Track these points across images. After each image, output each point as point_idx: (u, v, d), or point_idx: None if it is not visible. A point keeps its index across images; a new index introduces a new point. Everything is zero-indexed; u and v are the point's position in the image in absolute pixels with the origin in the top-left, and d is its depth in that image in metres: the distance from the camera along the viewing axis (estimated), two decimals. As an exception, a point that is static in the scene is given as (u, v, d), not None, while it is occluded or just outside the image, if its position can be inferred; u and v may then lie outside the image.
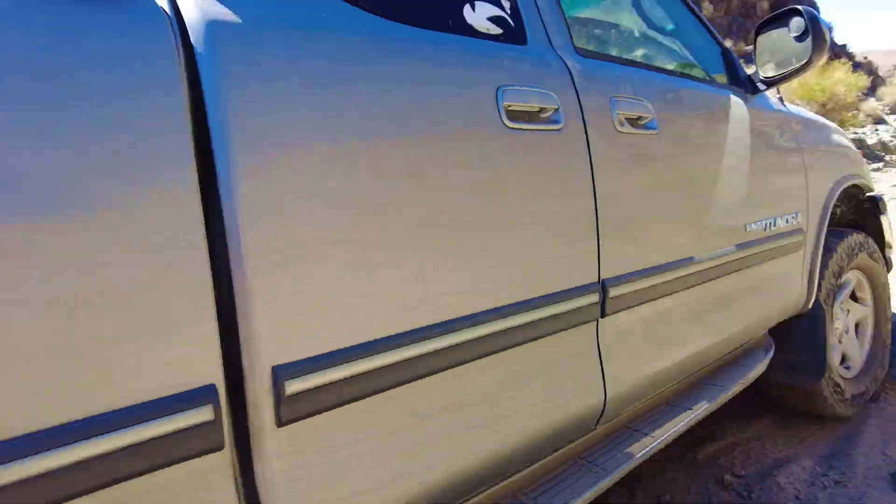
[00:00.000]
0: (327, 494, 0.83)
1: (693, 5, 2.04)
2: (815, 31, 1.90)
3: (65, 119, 0.62)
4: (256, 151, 0.76)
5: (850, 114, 13.70)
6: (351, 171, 0.86)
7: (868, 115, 17.55)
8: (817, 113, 12.06)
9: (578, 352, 1.28)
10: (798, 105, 10.57)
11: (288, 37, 0.84)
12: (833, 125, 2.70)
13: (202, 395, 0.68)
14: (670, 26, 2.14)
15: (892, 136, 16.82)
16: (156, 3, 0.73)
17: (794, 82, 13.33)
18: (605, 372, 1.32)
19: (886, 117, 19.31)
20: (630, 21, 2.40)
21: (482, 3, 1.22)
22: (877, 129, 17.12)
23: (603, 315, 1.30)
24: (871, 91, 20.60)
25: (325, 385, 0.80)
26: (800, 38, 1.95)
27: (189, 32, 0.75)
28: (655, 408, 1.65)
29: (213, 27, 0.76)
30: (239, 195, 0.73)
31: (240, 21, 0.79)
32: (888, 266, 2.75)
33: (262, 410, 0.75)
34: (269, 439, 0.76)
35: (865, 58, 31.33)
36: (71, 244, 0.60)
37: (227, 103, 0.74)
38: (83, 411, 0.60)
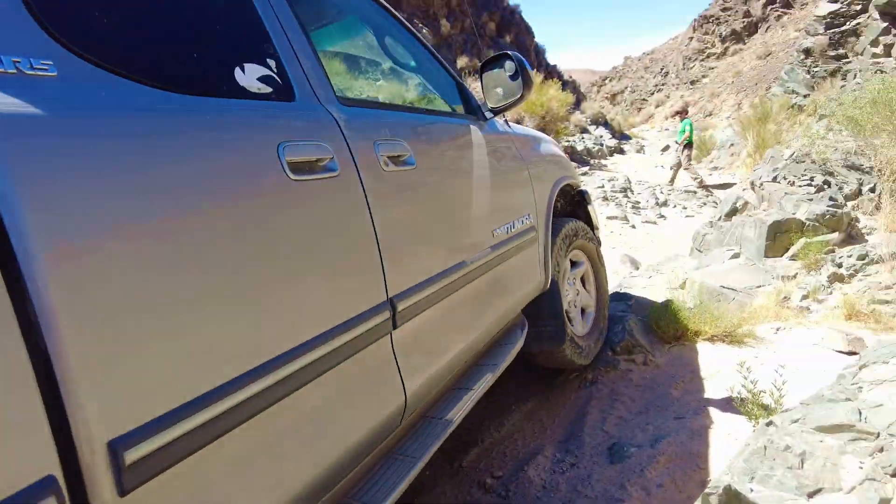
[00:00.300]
0: None
1: (430, 46, 2.18)
2: (524, 73, 2.24)
3: None
4: (53, 239, 0.74)
5: (562, 125, 16.15)
6: (146, 244, 0.86)
7: (576, 126, 20.99)
8: (538, 125, 13.92)
9: (380, 363, 1.41)
10: (525, 117, 12.07)
11: (64, 123, 0.82)
12: (547, 138, 3.22)
13: (43, 486, 0.68)
14: (415, 65, 2.31)
15: (594, 143, 20.48)
16: None
17: (521, 97, 15.31)
18: (402, 374, 1.48)
19: (589, 127, 23.40)
20: (383, 65, 2.51)
21: (251, 65, 1.25)
22: (583, 138, 20.65)
23: (395, 327, 1.45)
24: (577, 105, 24.77)
25: (159, 448, 0.82)
26: (513, 77, 2.28)
27: None
28: (445, 394, 1.86)
29: None
30: (44, 286, 0.71)
31: (13, 112, 0.75)
32: (599, 242, 3.38)
33: (102, 485, 0.75)
34: None
35: (570, 76, 37.74)
36: None
37: (13, 195, 0.71)
38: None
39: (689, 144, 12.31)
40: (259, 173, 1.11)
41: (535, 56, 28.29)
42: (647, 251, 6.75)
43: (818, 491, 1.53)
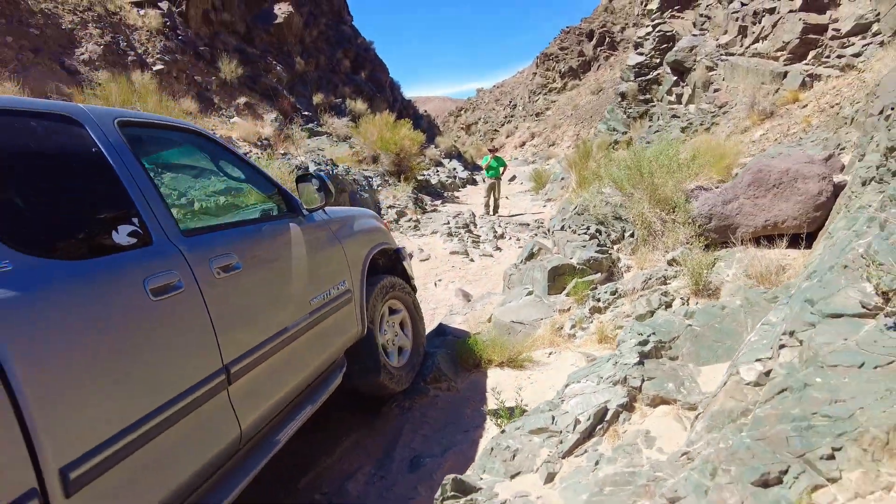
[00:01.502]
0: None
1: (253, 163, 2.83)
2: (325, 187, 3.06)
3: None
4: (28, 360, 1.39)
5: (417, 161, 17.25)
6: (75, 351, 1.54)
7: (431, 160, 22.27)
8: (392, 161, 14.73)
9: (219, 410, 2.05)
10: (381, 155, 12.84)
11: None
12: (367, 212, 4.06)
13: (30, 494, 1.30)
14: (245, 178, 2.98)
15: (447, 176, 21.88)
16: None
17: (376, 136, 16.10)
18: (238, 415, 2.14)
19: (443, 160, 24.87)
20: (217, 184, 3.11)
21: (122, 226, 1.86)
22: (437, 171, 21.96)
23: (230, 384, 2.10)
24: (431, 140, 26.28)
25: (87, 470, 1.46)
26: (318, 190, 3.07)
27: None
28: (277, 424, 2.51)
29: None
30: (20, 383, 1.35)
31: None
32: (414, 290, 4.25)
33: (57, 493, 1.39)
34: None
35: (425, 111, 39.75)
36: None
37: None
38: None
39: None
40: (133, 300, 1.76)
41: (391, 91, 29.50)
42: (480, 283, 7.76)
43: (518, 473, 2.38)
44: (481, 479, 2.39)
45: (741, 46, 16.88)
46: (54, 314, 1.49)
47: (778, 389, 1.91)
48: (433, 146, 24.79)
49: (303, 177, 3.09)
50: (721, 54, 17.33)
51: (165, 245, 1.99)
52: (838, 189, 5.24)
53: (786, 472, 1.57)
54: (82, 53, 14.37)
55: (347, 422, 3.69)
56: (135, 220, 1.93)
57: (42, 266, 1.52)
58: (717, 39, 17.94)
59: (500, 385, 3.81)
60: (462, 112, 78.12)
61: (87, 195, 1.90)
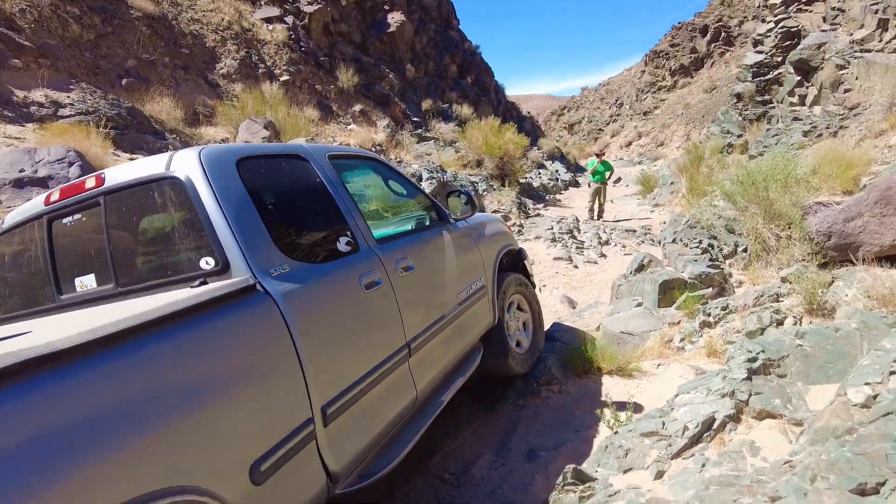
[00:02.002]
0: None
1: (415, 183, 3.40)
2: (471, 201, 3.75)
3: None
4: (303, 332, 2.13)
5: (520, 164, 17.55)
6: (350, 309, 2.42)
7: (533, 162, 22.45)
8: (496, 164, 15.12)
9: (403, 375, 2.69)
10: (485, 159, 13.31)
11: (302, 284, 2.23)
12: (494, 217, 4.70)
13: (309, 421, 2.02)
14: (406, 194, 3.81)
15: (549, 179, 21.95)
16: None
17: (482, 142, 16.58)
18: (414, 381, 2.78)
19: (545, 163, 24.93)
20: (391, 201, 4.10)
21: (342, 237, 2.59)
22: (539, 174, 22.09)
23: (410, 355, 2.79)
24: (534, 142, 26.44)
25: (338, 407, 2.16)
26: (466, 203, 3.65)
27: None
28: (438, 389, 3.12)
29: None
30: (302, 349, 2.09)
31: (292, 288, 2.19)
32: (534, 285, 4.86)
33: (320, 423, 2.07)
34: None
35: (528, 112, 39.88)
36: None
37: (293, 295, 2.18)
38: None
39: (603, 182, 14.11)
40: (355, 292, 2.47)
41: (496, 95, 29.96)
42: (584, 291, 7.96)
43: (630, 469, 2.69)
44: (597, 471, 2.73)
45: (880, 42, 15.60)
46: (313, 300, 2.20)
47: (883, 412, 2.10)
48: (536, 148, 24.95)
49: (452, 191, 3.80)
50: (855, 51, 16.09)
51: (368, 251, 2.67)
52: (980, 209, 4.97)
53: (883, 483, 1.78)
54: (222, 68, 16.04)
55: (466, 414, 4.14)
56: (348, 233, 2.61)
57: (303, 267, 2.24)
58: (851, 35, 16.66)
59: (610, 392, 4.09)
60: (565, 111, 77.11)
61: (319, 214, 2.62)
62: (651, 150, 42.30)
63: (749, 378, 3.07)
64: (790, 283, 5.07)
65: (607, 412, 3.35)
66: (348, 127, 16.46)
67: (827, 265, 5.39)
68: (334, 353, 2.22)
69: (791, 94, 17.67)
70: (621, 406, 3.55)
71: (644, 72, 58.48)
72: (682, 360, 4.49)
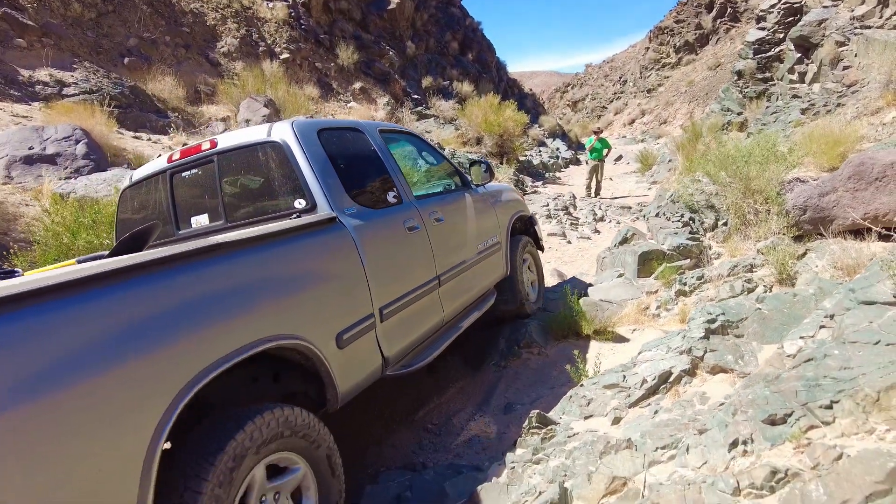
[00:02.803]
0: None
1: (441, 152, 4.31)
2: (490, 170, 4.63)
3: None
4: (367, 252, 2.98)
5: (519, 142, 17.69)
6: (400, 240, 3.32)
7: (534, 140, 22.54)
8: (496, 142, 15.26)
9: (434, 300, 3.49)
10: (484, 136, 13.49)
11: (365, 221, 3.08)
12: (508, 187, 5.60)
13: (370, 315, 2.84)
14: (436, 163, 4.69)
15: (550, 157, 22.07)
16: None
17: (481, 119, 16.70)
18: (442, 306, 3.58)
19: (546, 140, 25.00)
20: (424, 167, 4.88)
21: (390, 192, 3.45)
22: (540, 151, 22.20)
23: (440, 286, 3.58)
24: (535, 119, 26.48)
25: (391, 310, 3.00)
26: (485, 172, 4.59)
27: None
28: (459, 318, 3.87)
29: None
30: (366, 264, 2.93)
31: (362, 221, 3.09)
32: (541, 249, 5.82)
33: (377, 318, 2.88)
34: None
35: (531, 89, 39.71)
36: None
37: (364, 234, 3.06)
38: None
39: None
40: (400, 231, 3.27)
41: (497, 72, 29.89)
42: (575, 265, 8.22)
43: (591, 416, 2.98)
44: (561, 418, 3.02)
45: (880, 18, 15.59)
46: (373, 232, 2.97)
47: (804, 359, 2.37)
48: (537, 126, 25.01)
49: (474, 161, 4.69)
50: (855, 27, 16.08)
51: (409, 204, 3.51)
52: (948, 183, 5.19)
53: (790, 414, 2.06)
54: (222, 47, 16.15)
55: (454, 374, 4.44)
56: (394, 189, 3.46)
57: (365, 210, 3.05)
58: (853, 11, 16.63)
59: (586, 353, 4.37)
60: (569, 88, 76.56)
61: (374, 174, 3.47)
62: (654, 127, 42.15)
63: (706, 337, 3.35)
64: (764, 254, 5.32)
65: (575, 368, 3.63)
66: (348, 104, 16.60)
67: (802, 238, 5.63)
68: (387, 272, 3.01)
69: (791, 71, 17.68)
70: (589, 363, 3.83)
71: (648, 48, 57.90)
72: (656, 326, 4.77)
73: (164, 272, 1.88)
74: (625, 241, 6.32)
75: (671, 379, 3.13)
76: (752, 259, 5.27)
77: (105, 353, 1.57)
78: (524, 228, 5.49)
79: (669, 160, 17.67)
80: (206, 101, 13.37)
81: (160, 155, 5.15)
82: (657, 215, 6.64)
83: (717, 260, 5.79)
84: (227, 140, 3.16)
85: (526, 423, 2.90)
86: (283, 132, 2.99)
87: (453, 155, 13.80)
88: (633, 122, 49.22)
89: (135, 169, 7.54)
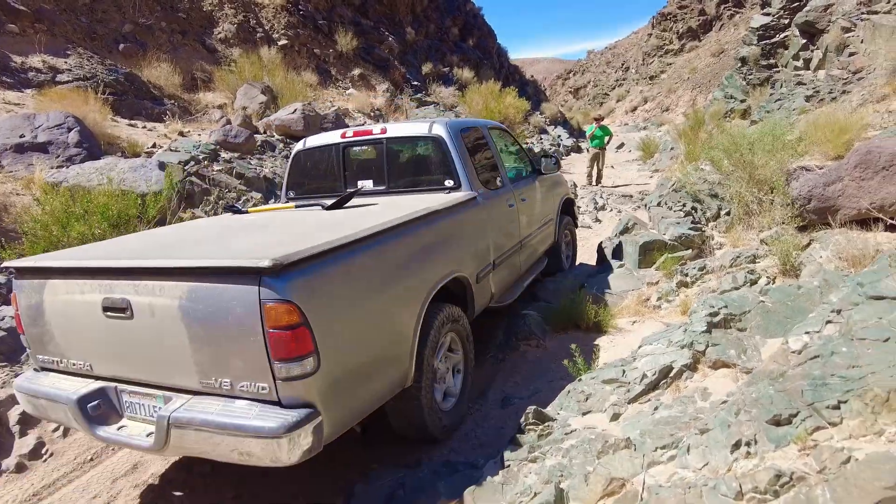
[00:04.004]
0: None
1: (521, 145, 5.31)
2: (557, 161, 5.74)
3: None
4: (486, 220, 4.32)
5: (521, 129, 17.54)
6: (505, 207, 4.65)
7: (535, 127, 22.36)
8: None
9: (517, 257, 4.73)
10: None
11: (482, 199, 4.23)
12: (562, 175, 6.82)
13: (490, 265, 4.12)
14: (518, 153, 5.62)
15: (551, 144, 21.89)
16: None
17: (481, 106, 16.53)
18: (521, 262, 4.87)
19: (547, 128, 24.79)
20: (511, 155, 5.56)
21: (498, 177, 4.66)
22: (541, 139, 22.02)
23: (521, 248, 4.83)
24: (537, 106, 26.23)
25: (480, 274, 4.00)
26: (553, 164, 5.61)
27: None
28: (527, 272, 5.08)
29: None
30: (487, 231, 4.24)
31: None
32: (577, 226, 7.04)
33: (473, 281, 3.84)
34: None
35: (532, 76, 39.34)
36: None
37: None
38: None
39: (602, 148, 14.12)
40: (505, 207, 4.52)
41: (498, 58, 29.57)
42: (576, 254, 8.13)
43: (589, 412, 2.90)
44: (558, 413, 2.94)
45: (888, 3, 15.33)
46: (492, 208, 4.18)
47: (811, 356, 2.29)
48: (538, 113, 24.79)
49: (546, 154, 6.37)
50: (862, 13, 15.82)
51: (508, 187, 4.69)
52: (958, 172, 5.07)
53: (796, 415, 1.98)
54: (219, 33, 15.95)
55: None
56: (500, 175, 4.61)
57: (487, 192, 4.19)
58: (859, -4, 16.35)
59: (585, 346, 4.29)
60: (571, 75, 75.92)
61: (489, 164, 4.57)
62: (656, 115, 41.83)
63: (708, 331, 3.26)
64: (767, 245, 5.22)
65: (573, 362, 3.55)
66: (347, 91, 16.42)
67: (806, 228, 5.52)
68: (498, 236, 4.22)
69: (796, 57, 17.43)
70: (588, 357, 3.74)
71: (651, 35, 57.31)
72: (657, 318, 4.68)
73: (415, 226, 3.11)
74: (626, 230, 6.22)
75: (672, 374, 3.05)
76: (756, 250, 5.17)
77: (405, 268, 2.97)
78: (568, 209, 6.57)
79: (672, 148, 17.51)
80: (202, 89, 13.20)
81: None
82: (659, 204, 6.53)
83: (719, 250, 5.69)
84: (394, 130, 4.33)
85: (523, 418, 2.82)
86: (440, 130, 4.12)
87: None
88: (635, 109, 48.85)
89: (129, 157, 7.48)
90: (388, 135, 4.27)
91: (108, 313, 2.49)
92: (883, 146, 5.41)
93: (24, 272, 2.85)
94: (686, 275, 5.03)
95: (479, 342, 4.59)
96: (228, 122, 9.85)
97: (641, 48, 59.08)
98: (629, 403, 2.92)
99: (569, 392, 3.06)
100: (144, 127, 9.28)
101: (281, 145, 9.81)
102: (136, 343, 2.48)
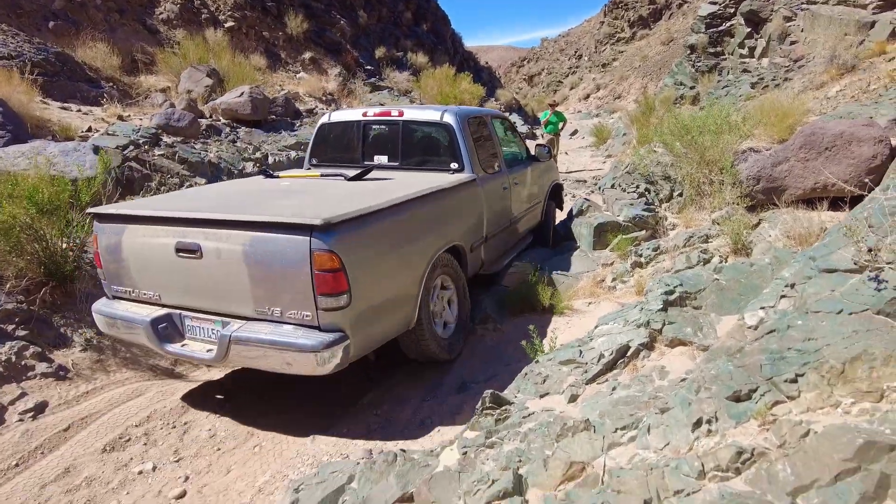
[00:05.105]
0: None
1: (517, 131, 5.80)
2: (550, 151, 6.40)
3: None
4: (485, 199, 4.94)
5: (475, 115, 17.39)
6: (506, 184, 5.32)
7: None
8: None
9: (511, 232, 5.42)
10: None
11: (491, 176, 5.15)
12: (552, 162, 7.28)
13: (482, 238, 4.72)
14: (514, 140, 6.17)
15: (506, 131, 21.83)
16: None
17: (436, 91, 16.33)
18: (513, 236, 5.64)
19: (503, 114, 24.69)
20: (506, 143, 5.91)
21: (497, 162, 5.26)
22: (496, 125, 21.93)
23: (511, 225, 5.43)
24: (492, 93, 26.13)
25: (491, 236, 4.93)
26: (546, 152, 6.29)
27: None
28: (514, 246, 5.69)
29: None
30: (483, 206, 4.83)
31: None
32: (561, 207, 7.50)
33: (484, 239, 4.86)
34: None
35: (486, 62, 39.23)
36: None
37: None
38: None
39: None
40: (500, 189, 5.07)
41: (452, 44, 29.30)
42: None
43: (546, 394, 2.83)
44: (516, 396, 2.86)
45: (825, -7, 15.84)
46: (489, 190, 4.72)
47: (767, 330, 2.27)
48: (493, 99, 24.70)
49: (540, 145, 6.14)
50: (802, 3, 16.34)
51: (504, 171, 5.19)
52: None
53: (755, 390, 1.95)
54: (161, 13, 15.18)
55: (401, 357, 4.24)
56: (497, 160, 5.11)
57: (486, 175, 4.77)
58: (799, -14, 16.85)
59: (541, 328, 4.24)
60: (525, 62, 76.21)
61: (489, 150, 5.04)
62: (609, 102, 42.45)
63: (664, 309, 3.24)
64: (719, 224, 5.28)
65: (530, 344, 3.48)
66: (297, 75, 15.94)
67: (755, 208, 5.62)
68: (492, 215, 4.70)
69: (741, 45, 17.89)
70: (545, 338, 3.69)
71: (603, 23, 58.03)
72: (612, 299, 4.68)
73: (425, 201, 3.68)
74: (580, 213, 6.22)
75: (629, 353, 3.01)
76: (708, 230, 5.23)
77: (416, 235, 3.56)
78: (556, 194, 7.10)
79: (624, 134, 17.78)
80: (144, 72, 12.52)
81: (91, 128, 6.27)
82: (613, 186, 6.55)
83: (672, 231, 5.75)
84: (410, 114, 4.93)
85: (479, 403, 2.73)
86: (450, 118, 4.68)
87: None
88: (588, 96, 49.47)
89: (60, 141, 6.98)
90: (404, 118, 4.85)
91: (180, 254, 3.14)
92: (826, 128, 5.54)
93: (104, 217, 3.48)
94: (640, 255, 5.04)
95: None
96: (172, 105, 9.37)
97: (594, 36, 59.78)
98: (587, 384, 2.86)
99: (526, 374, 2.99)
100: (79, 110, 8.72)
101: (227, 129, 9.41)
102: (202, 278, 3.13)
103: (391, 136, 4.92)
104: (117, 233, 3.38)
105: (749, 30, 17.61)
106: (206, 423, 3.46)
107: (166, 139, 7.86)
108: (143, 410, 3.53)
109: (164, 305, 3.34)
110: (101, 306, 3.55)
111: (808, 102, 10.58)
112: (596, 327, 3.35)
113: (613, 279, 4.91)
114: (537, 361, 3.12)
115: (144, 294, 3.39)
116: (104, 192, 4.99)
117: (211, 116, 9.86)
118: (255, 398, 3.72)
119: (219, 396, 3.78)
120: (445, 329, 4.03)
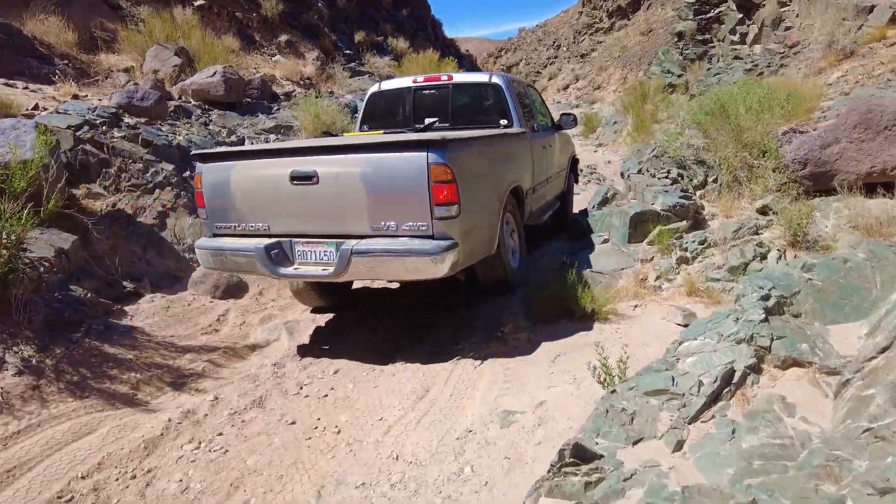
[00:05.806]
0: None
1: (544, 101, 6.37)
2: (575, 119, 6.26)
3: None
4: (532, 152, 5.38)
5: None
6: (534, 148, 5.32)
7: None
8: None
9: (547, 188, 5.61)
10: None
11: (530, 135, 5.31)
12: (569, 135, 7.24)
13: (523, 191, 4.80)
14: (543, 109, 6.18)
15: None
16: None
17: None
18: (548, 194, 5.73)
19: (486, 103, 23.97)
20: (538, 110, 6.01)
21: (538, 124, 5.72)
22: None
23: (546, 184, 5.56)
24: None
25: (533, 188, 5.20)
26: (573, 121, 6.19)
27: None
28: (547, 207, 5.69)
29: None
30: (531, 160, 5.18)
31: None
32: (577, 180, 7.77)
33: (531, 190, 5.18)
34: None
35: (467, 50, 38.33)
36: None
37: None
38: None
39: None
40: (542, 147, 5.38)
41: (433, 30, 28.38)
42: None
43: (640, 440, 2.13)
44: (597, 443, 2.14)
45: (821, -23, 15.45)
46: (534, 145, 5.07)
47: None
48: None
49: (565, 113, 6.15)
50: (796, -13, 15.92)
51: (541, 132, 5.47)
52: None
53: None
54: (124, -13, 14.01)
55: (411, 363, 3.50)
56: (536, 122, 5.41)
57: (531, 132, 5.11)
58: (793, -30, 16.44)
59: (587, 339, 3.54)
60: (503, 53, 75.37)
61: (529, 111, 5.35)
62: (588, 93, 41.98)
63: (766, 320, 2.56)
64: (769, 214, 4.64)
65: (593, 367, 2.77)
66: (273, 58, 14.95)
67: (800, 195, 5.01)
68: (537, 168, 5.03)
69: (733, 32, 17.44)
70: (600, 354, 2.97)
71: (581, 13, 57.54)
72: (660, 301, 4.01)
73: (498, 140, 4.20)
74: (605, 201, 5.55)
75: (735, 379, 2.32)
76: (756, 220, 4.59)
77: (497, 168, 4.02)
78: (573, 166, 7.34)
79: (615, 122, 17.18)
80: (104, 50, 11.43)
81: (38, 106, 6.29)
82: (640, 172, 5.89)
83: (712, 221, 5.10)
84: (459, 77, 5.29)
85: (556, 458, 2.00)
86: (498, 79, 5.02)
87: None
88: (567, 87, 48.99)
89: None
90: (454, 81, 5.16)
91: (295, 182, 3.39)
92: (885, 105, 4.93)
93: (210, 157, 3.72)
94: (685, 249, 4.38)
95: (450, 335, 3.77)
96: (135, 84, 8.41)
97: (572, 26, 59.28)
98: (689, 423, 2.16)
99: (607, 412, 2.27)
100: (27, 88, 7.73)
101: (199, 112, 8.49)
102: (318, 203, 3.39)
103: (441, 98, 5.13)
104: (225, 170, 3.61)
105: (741, 16, 17.16)
106: (175, 470, 2.68)
107: (128, 120, 6.95)
108: (93, 455, 2.73)
109: (272, 236, 3.56)
110: (204, 242, 3.78)
111: (816, 88, 10.07)
112: (681, 343, 2.65)
113: (657, 277, 4.24)
114: (614, 392, 2.40)
115: (252, 227, 3.62)
116: (46, 177, 4.11)
117: (180, 98, 8.92)
118: (236, 429, 2.94)
119: (193, 425, 2.99)
120: (514, 259, 4.43)
